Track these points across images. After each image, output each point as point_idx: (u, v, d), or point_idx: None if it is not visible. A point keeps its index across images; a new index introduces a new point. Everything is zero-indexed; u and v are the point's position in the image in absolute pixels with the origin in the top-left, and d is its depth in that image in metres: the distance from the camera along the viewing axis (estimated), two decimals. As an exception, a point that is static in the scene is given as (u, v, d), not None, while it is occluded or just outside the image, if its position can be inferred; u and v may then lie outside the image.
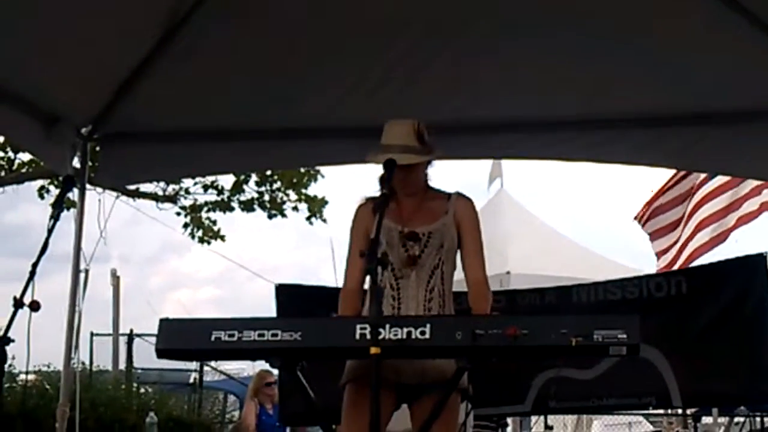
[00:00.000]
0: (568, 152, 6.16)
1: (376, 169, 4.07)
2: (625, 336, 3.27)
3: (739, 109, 5.69)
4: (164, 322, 3.47)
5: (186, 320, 3.57)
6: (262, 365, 9.65)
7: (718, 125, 5.80)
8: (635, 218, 12.63)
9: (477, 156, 6.87)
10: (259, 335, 3.40)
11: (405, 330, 3.35)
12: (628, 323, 3.30)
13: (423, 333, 3.35)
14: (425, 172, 4.20)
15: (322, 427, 4.09)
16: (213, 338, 3.40)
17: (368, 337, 3.27)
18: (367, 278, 3.99)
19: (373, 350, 3.20)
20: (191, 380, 15.13)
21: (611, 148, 6.03)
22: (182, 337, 3.47)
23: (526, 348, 3.33)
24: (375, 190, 4.10)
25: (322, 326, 3.46)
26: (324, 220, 12.61)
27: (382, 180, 4.04)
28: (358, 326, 3.36)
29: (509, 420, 10.35)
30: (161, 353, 3.50)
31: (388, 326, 3.34)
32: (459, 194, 4.23)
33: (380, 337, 3.24)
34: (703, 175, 12.18)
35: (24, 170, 12.23)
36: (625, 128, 5.91)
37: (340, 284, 4.29)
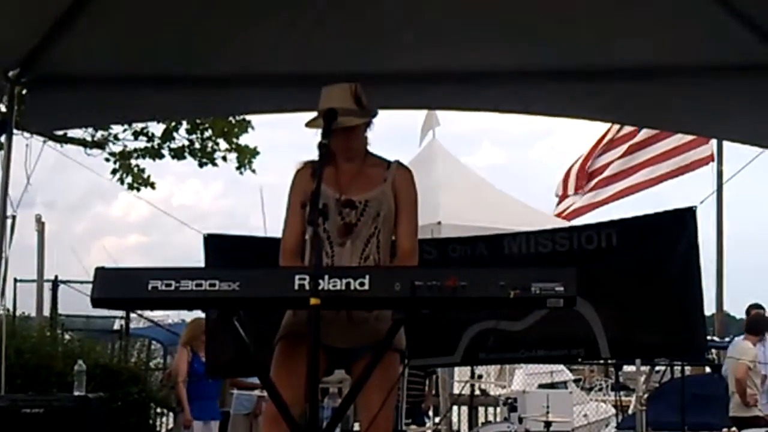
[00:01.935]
0: (504, 104, 6.19)
1: (311, 130, 4.03)
2: (562, 288, 3.30)
3: (673, 64, 5.75)
4: (100, 271, 3.40)
5: (122, 269, 3.51)
6: (188, 313, 9.63)
7: (651, 80, 5.86)
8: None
9: (414, 106, 6.88)
10: (197, 285, 3.35)
11: (344, 281, 3.33)
12: (565, 276, 3.33)
13: (362, 284, 3.33)
14: (365, 136, 4.17)
15: (258, 377, 4.07)
16: (150, 287, 3.35)
17: (307, 287, 3.26)
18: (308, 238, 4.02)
19: (313, 301, 3.20)
20: (116, 327, 15.02)
21: (547, 100, 6.07)
22: (118, 287, 3.41)
23: (465, 300, 3.34)
24: (313, 155, 4.06)
25: (260, 277, 3.43)
26: (254, 171, 12.54)
27: (321, 146, 4.01)
28: (297, 277, 3.33)
29: (438, 370, 10.54)
30: (97, 302, 3.43)
31: (327, 277, 3.32)
32: (399, 164, 4.22)
33: (319, 287, 3.25)
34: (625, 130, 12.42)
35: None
36: (561, 81, 5.94)
37: (269, 234, 4.28)
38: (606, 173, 13.57)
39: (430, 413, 11.87)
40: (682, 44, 5.55)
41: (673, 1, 5.30)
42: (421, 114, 10.96)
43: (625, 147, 13.26)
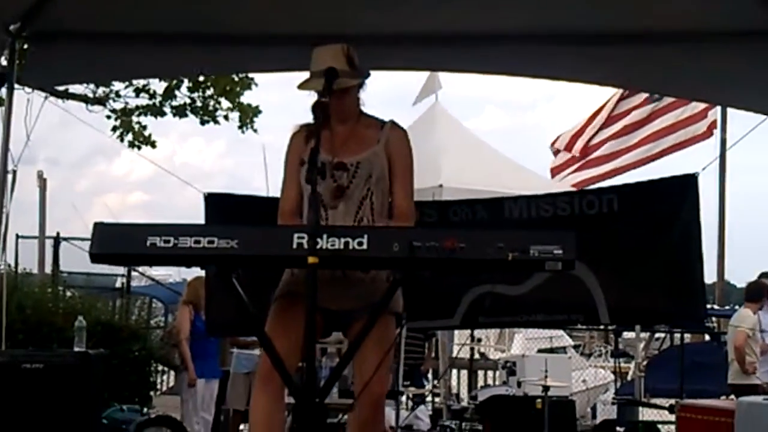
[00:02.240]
0: (511, 67, 6.16)
1: (309, 95, 4.04)
2: (561, 251, 3.28)
3: (684, 30, 5.71)
4: (98, 226, 3.38)
5: (121, 225, 3.49)
6: (189, 272, 9.64)
7: (661, 45, 5.82)
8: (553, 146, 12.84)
9: (417, 67, 6.84)
10: (195, 242, 3.35)
11: (342, 240, 3.32)
12: (564, 239, 3.32)
13: (360, 243, 3.32)
14: (358, 97, 4.15)
15: (255, 333, 4.06)
16: (148, 243, 3.34)
17: (306, 246, 3.26)
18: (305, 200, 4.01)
19: (311, 260, 3.20)
20: (118, 285, 15.06)
21: (553, 63, 6.03)
22: (117, 242, 3.39)
23: (463, 261, 3.32)
24: (308, 119, 4.05)
25: (259, 234, 3.42)
26: (255, 130, 12.53)
27: (315, 108, 3.99)
28: (296, 235, 3.32)
29: (437, 333, 10.57)
30: (95, 257, 3.42)
31: (325, 236, 3.31)
32: (393, 123, 4.18)
33: (318, 246, 3.24)
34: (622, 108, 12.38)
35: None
36: (566, 45, 5.90)
37: (271, 194, 4.27)
38: (603, 151, 13.58)
39: (429, 376, 11.92)
40: (685, 10, 5.50)
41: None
42: (421, 76, 10.90)
43: (621, 125, 13.26)
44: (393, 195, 4.11)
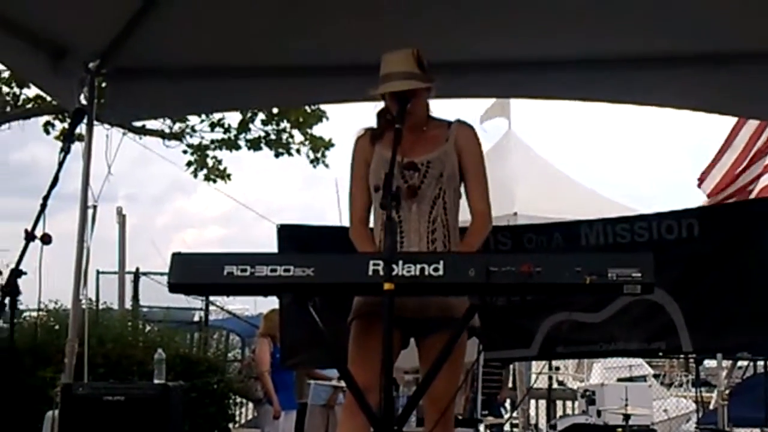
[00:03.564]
0: (580, 92, 6.12)
1: (379, 107, 4.09)
2: (639, 275, 3.23)
3: (750, 50, 5.62)
4: (176, 256, 3.42)
5: (198, 254, 3.52)
6: (265, 306, 9.70)
7: (728, 66, 5.73)
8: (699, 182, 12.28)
9: (484, 95, 6.84)
10: (272, 270, 3.36)
11: (418, 266, 3.30)
12: (642, 261, 3.26)
13: (436, 270, 3.30)
14: (427, 102, 4.13)
15: (335, 364, 4.06)
16: (225, 273, 3.36)
17: (381, 273, 3.25)
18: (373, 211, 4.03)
19: (387, 286, 3.18)
20: (196, 318, 15.19)
21: (622, 87, 5.98)
22: (194, 272, 3.43)
23: (540, 285, 3.29)
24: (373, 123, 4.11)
25: (334, 262, 3.42)
26: (327, 165, 12.64)
27: (380, 114, 4.01)
28: (371, 262, 3.32)
29: (515, 362, 10.46)
30: (173, 287, 3.45)
31: (401, 262, 3.30)
32: (460, 121, 4.15)
33: (393, 273, 3.23)
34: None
35: (29, 106, 12.18)
36: (637, 68, 5.85)
37: (341, 224, 4.28)
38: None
39: (507, 405, 11.80)
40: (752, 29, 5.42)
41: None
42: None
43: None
44: (469, 197, 4.08)
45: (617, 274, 3.24)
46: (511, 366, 10.90)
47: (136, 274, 14.25)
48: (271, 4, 5.67)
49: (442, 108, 4.27)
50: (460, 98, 6.40)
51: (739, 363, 14.72)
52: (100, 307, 11.85)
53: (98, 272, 13.87)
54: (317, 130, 12.45)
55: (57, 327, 9.31)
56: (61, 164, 3.77)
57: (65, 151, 3.83)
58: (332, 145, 12.56)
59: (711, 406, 13.34)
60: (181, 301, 13.76)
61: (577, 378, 15.09)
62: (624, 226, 6.75)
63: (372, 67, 4.13)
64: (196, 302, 14.20)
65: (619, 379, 15.95)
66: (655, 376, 21.12)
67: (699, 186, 11.74)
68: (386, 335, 3.20)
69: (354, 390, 3.65)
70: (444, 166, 4.01)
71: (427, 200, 3.99)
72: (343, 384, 5.93)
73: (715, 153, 11.41)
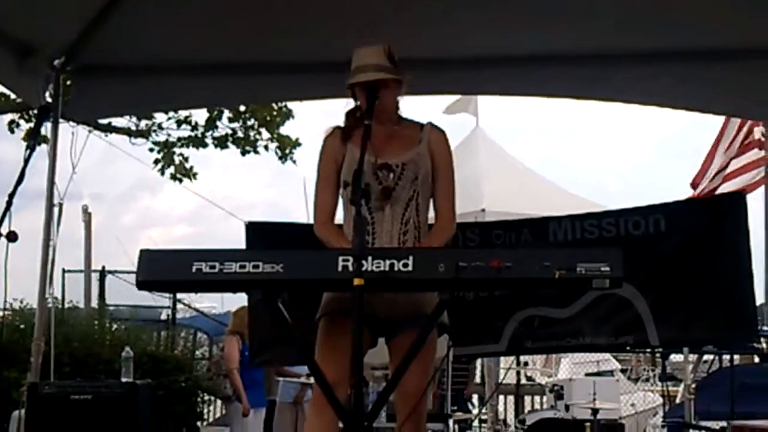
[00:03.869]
0: (556, 89, 6.13)
1: (348, 106, 4.12)
2: (608, 269, 3.25)
3: (730, 47, 5.64)
4: (145, 253, 3.40)
5: (167, 251, 3.50)
6: (233, 303, 9.67)
7: (707, 63, 5.76)
8: (692, 185, 12.23)
9: (462, 91, 6.83)
10: (241, 267, 3.35)
11: (388, 262, 3.30)
12: (611, 256, 3.29)
13: (406, 265, 3.31)
14: (397, 98, 4.14)
15: (304, 360, 4.05)
16: (194, 269, 3.35)
17: (351, 268, 3.25)
18: (340, 209, 4.03)
19: (357, 282, 3.18)
20: (163, 317, 15.13)
21: (598, 84, 6.00)
22: (163, 269, 3.41)
23: (510, 280, 3.31)
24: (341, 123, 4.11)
25: (304, 258, 3.42)
26: (294, 161, 12.63)
27: (349, 114, 4.02)
28: (341, 258, 3.31)
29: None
30: (141, 285, 3.43)
31: (370, 258, 3.30)
32: (432, 125, 4.18)
33: (363, 269, 3.23)
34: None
35: (-6, 104, 12.08)
36: (613, 65, 5.87)
37: (309, 221, 4.26)
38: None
39: (474, 400, 11.84)
40: (743, 27, 5.44)
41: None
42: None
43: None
44: (435, 199, 4.11)
45: (586, 269, 3.27)
46: (479, 361, 10.95)
47: (102, 273, 14.18)
48: (238, 0, 5.64)
49: (405, 104, 4.28)
50: (430, 95, 6.42)
51: (705, 357, 14.86)
52: (66, 305, 11.77)
53: (64, 271, 13.82)
54: (284, 129, 12.45)
55: (22, 326, 9.22)
56: (26, 161, 3.75)
57: (31, 148, 3.81)
58: (299, 145, 12.57)
59: (677, 400, 13.44)
60: (147, 299, 13.71)
61: (545, 373, 15.17)
62: (592, 222, 6.77)
63: (344, 64, 4.14)
64: (163, 300, 14.17)
65: (587, 374, 16.01)
66: (622, 371, 21.23)
67: (693, 189, 11.72)
68: (356, 331, 3.20)
69: (322, 385, 3.64)
70: (419, 168, 4.03)
71: (401, 202, 4.00)
72: (311, 380, 5.91)
73: (705, 156, 11.39)
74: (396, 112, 4.16)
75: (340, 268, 3.31)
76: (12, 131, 12.55)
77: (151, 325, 13.94)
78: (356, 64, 4.04)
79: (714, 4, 5.29)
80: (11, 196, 3.65)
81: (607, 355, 18.49)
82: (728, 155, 10.27)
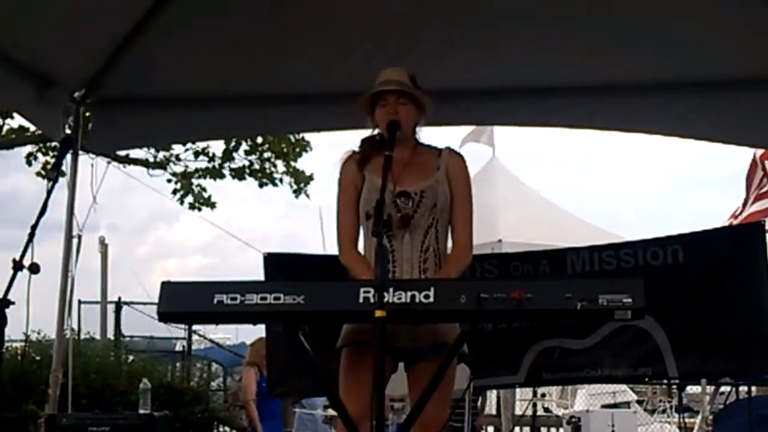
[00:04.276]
0: (567, 119, 6.13)
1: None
2: (630, 300, 3.24)
3: (743, 77, 5.64)
4: (166, 285, 3.41)
5: (188, 283, 3.51)
6: (248, 335, 9.67)
7: (719, 93, 5.75)
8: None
9: (474, 122, 6.84)
10: (262, 298, 3.36)
11: (409, 293, 3.31)
12: (632, 287, 3.28)
13: (427, 297, 3.31)
14: (416, 123, 4.14)
15: (327, 394, 4.05)
16: (215, 301, 3.36)
17: (372, 300, 3.25)
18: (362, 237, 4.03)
19: (378, 313, 3.18)
20: (178, 348, 15.13)
21: (610, 114, 6.00)
22: (184, 300, 3.42)
23: (531, 312, 3.31)
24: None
25: (325, 289, 3.42)
26: (308, 196, 12.67)
27: (365, 141, 4.04)
28: (362, 289, 3.32)
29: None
30: (163, 316, 3.44)
31: (392, 290, 3.30)
32: (450, 150, 4.18)
33: (384, 300, 3.22)
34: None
35: (13, 136, 12.16)
36: (624, 95, 5.88)
37: (325, 252, 4.27)
38: None
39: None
40: (747, 56, 5.44)
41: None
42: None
43: None
44: (453, 225, 4.09)
45: (608, 300, 3.26)
46: (494, 393, 10.88)
47: (118, 304, 14.19)
48: (256, 33, 5.68)
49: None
50: (441, 126, 6.42)
51: (722, 388, 14.76)
52: (83, 336, 11.80)
53: (80, 302, 13.81)
54: (301, 161, 12.51)
55: (39, 358, 9.25)
56: (49, 193, 3.76)
57: (53, 180, 3.83)
58: (312, 179, 12.63)
59: (695, 432, 13.36)
60: (162, 330, 13.73)
61: (562, 404, 15.08)
62: (610, 252, 6.73)
63: (358, 94, 4.16)
64: (179, 331, 14.16)
65: (603, 406, 15.94)
66: (639, 402, 21.12)
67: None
68: (377, 363, 3.19)
69: (345, 420, 3.64)
70: (437, 196, 4.02)
71: (420, 230, 3.99)
72: (332, 413, 5.91)
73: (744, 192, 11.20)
74: (414, 136, 4.16)
75: (361, 300, 3.32)
76: (30, 164, 12.65)
77: (166, 357, 13.96)
78: (381, 80, 4.07)
79: (723, 33, 5.29)
80: (34, 227, 3.66)
81: (624, 387, 18.39)
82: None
